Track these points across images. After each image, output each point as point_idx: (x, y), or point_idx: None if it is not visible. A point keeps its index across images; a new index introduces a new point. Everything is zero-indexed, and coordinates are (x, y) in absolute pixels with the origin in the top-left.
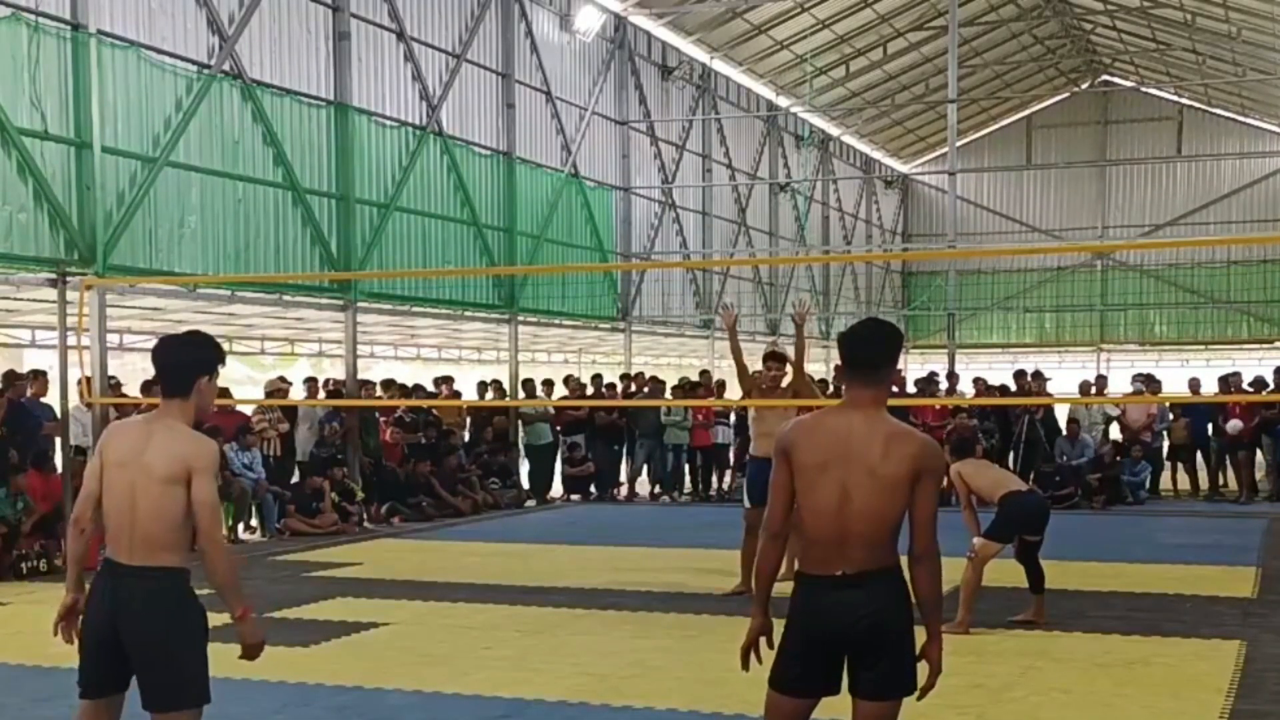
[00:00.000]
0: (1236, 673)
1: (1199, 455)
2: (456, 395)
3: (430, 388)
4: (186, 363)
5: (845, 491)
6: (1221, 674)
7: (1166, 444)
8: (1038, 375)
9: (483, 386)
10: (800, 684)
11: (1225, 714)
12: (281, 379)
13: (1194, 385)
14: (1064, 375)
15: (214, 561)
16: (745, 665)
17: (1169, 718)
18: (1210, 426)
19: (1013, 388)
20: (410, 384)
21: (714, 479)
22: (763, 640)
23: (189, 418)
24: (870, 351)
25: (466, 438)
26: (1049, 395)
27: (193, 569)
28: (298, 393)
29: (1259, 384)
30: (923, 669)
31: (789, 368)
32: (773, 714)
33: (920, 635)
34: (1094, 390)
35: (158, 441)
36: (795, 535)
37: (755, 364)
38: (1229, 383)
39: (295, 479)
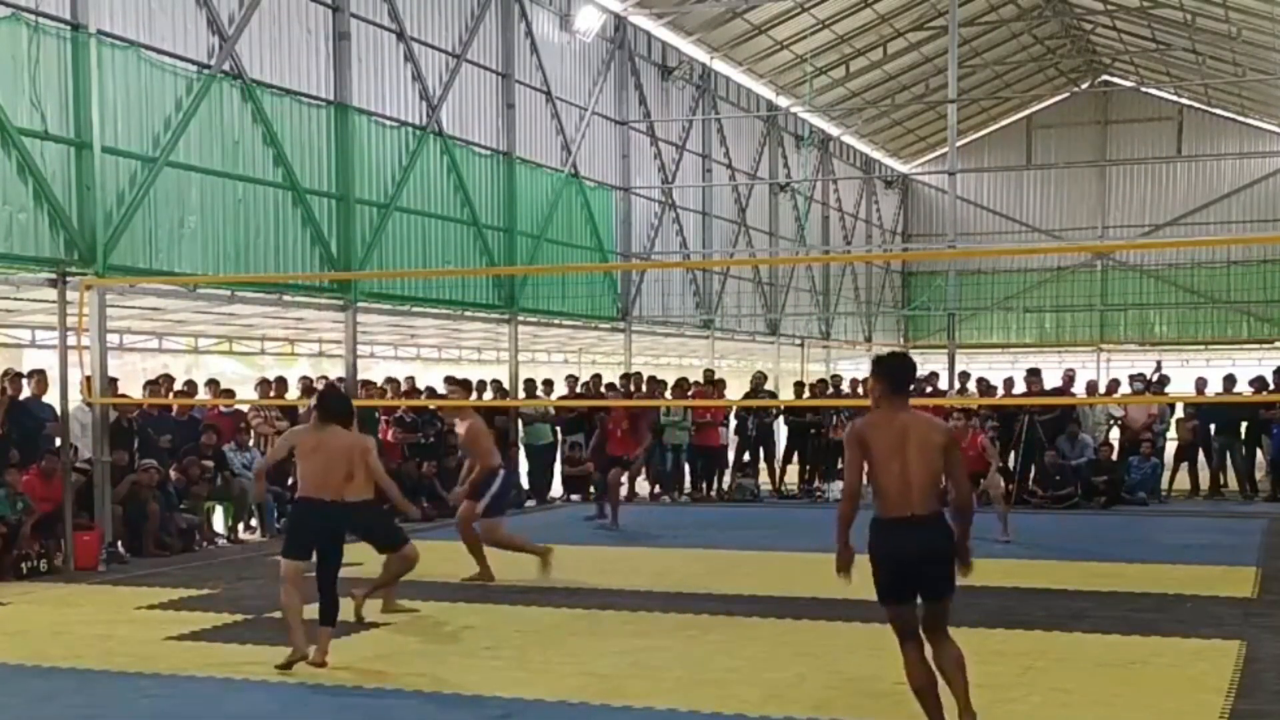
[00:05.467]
0: (1236, 673)
1: (1200, 455)
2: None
3: (438, 388)
4: None
5: (907, 459)
6: (1221, 674)
7: (1174, 444)
8: (1036, 372)
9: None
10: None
11: (1225, 714)
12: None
13: (1201, 385)
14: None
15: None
16: (849, 577)
17: (1169, 718)
18: (1212, 426)
19: (1019, 384)
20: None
21: (715, 479)
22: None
23: None
24: (908, 380)
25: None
26: (1049, 395)
27: None
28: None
29: (1260, 384)
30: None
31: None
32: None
33: None
34: (1104, 391)
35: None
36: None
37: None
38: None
39: None
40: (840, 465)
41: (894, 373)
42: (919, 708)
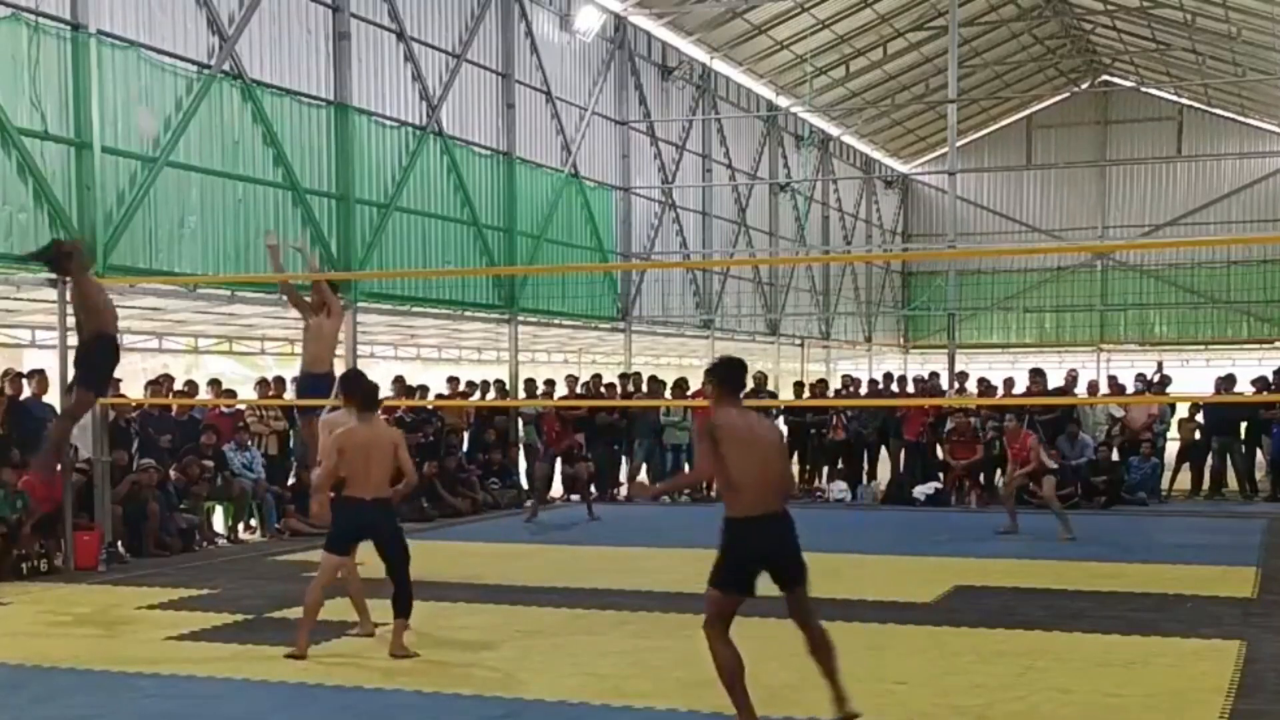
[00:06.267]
0: (1236, 673)
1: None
2: (464, 395)
3: (439, 388)
4: None
5: (764, 458)
6: (1221, 674)
7: (1175, 444)
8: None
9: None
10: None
11: (1225, 714)
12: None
13: (1219, 385)
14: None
15: None
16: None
17: (1169, 718)
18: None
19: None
20: (414, 384)
21: None
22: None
23: None
24: (741, 380)
25: (466, 438)
26: (1048, 395)
27: None
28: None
29: (1260, 384)
30: None
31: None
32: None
33: None
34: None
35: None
36: None
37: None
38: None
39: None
40: (840, 465)
41: (728, 375)
42: (918, 706)
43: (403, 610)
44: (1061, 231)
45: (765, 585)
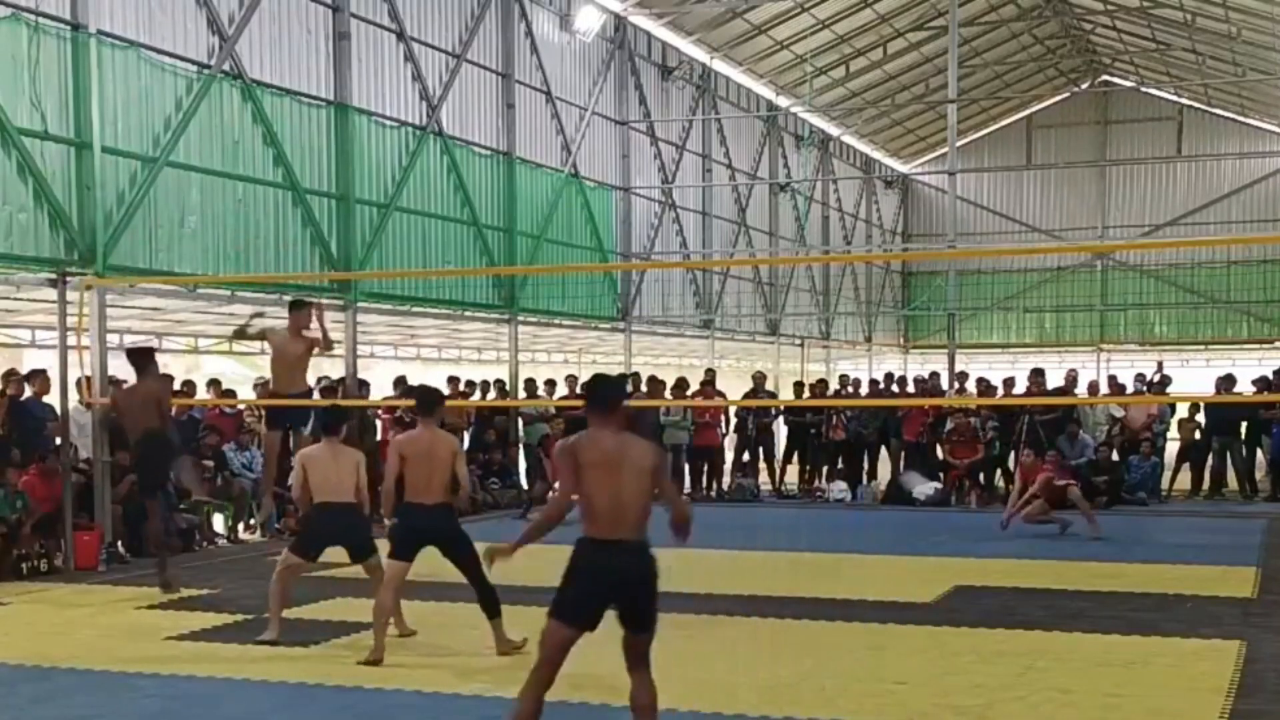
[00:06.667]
0: (1236, 673)
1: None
2: (464, 396)
3: (439, 388)
4: None
5: (624, 483)
6: (1221, 674)
7: (1175, 444)
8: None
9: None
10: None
11: (1225, 714)
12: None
13: (1219, 385)
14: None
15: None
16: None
17: (1169, 718)
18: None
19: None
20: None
21: (714, 479)
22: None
23: None
24: (615, 401)
25: (466, 438)
26: (1049, 395)
27: None
28: None
29: (1262, 383)
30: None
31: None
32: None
33: None
34: (1105, 390)
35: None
36: None
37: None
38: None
39: None
40: (840, 465)
41: (594, 394)
42: (918, 706)
43: (493, 611)
44: (1061, 231)
45: (765, 586)
